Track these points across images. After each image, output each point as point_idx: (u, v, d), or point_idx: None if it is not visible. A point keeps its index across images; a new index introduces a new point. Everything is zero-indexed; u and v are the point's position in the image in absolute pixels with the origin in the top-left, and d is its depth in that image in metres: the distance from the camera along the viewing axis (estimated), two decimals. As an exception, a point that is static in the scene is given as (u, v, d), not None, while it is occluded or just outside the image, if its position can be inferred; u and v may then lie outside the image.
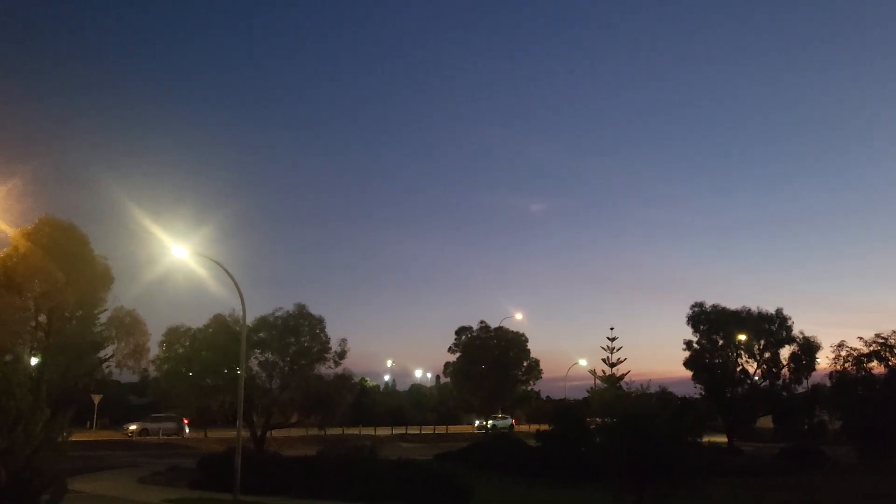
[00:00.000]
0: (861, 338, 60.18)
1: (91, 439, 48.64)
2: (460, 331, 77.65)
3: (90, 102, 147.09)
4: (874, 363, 59.29)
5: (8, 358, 31.89)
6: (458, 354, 77.06)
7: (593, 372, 61.99)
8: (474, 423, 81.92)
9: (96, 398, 57.53)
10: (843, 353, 60.06)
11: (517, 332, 77.76)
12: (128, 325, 39.97)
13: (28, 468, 8.14)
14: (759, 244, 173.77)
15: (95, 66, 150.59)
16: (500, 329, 76.34)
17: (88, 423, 61.15)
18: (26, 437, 8.05)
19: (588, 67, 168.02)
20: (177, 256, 24.94)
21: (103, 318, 39.28)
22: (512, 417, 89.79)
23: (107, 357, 40.83)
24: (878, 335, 58.74)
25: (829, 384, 62.91)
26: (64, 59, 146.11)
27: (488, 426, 74.90)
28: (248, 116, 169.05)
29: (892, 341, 58.35)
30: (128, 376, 49.61)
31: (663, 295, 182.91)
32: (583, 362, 72.29)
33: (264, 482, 25.71)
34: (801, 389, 65.72)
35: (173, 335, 37.96)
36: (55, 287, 33.48)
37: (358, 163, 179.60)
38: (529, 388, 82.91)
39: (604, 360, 60.09)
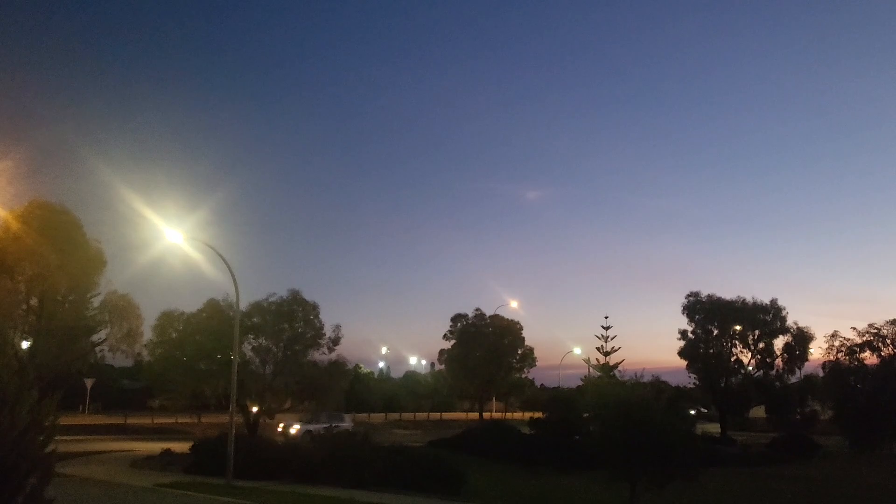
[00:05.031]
0: (854, 328, 60.49)
1: (83, 423, 48.52)
2: (456, 318, 77.75)
3: (81, 85, 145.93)
4: (867, 353, 59.56)
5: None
6: (452, 342, 77.17)
7: (587, 360, 61.99)
8: None
9: (89, 382, 57.42)
10: (837, 344, 60.34)
11: (512, 320, 77.93)
12: (121, 308, 39.76)
13: (14, 452, 7.94)
14: (755, 234, 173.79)
15: (86, 48, 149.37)
16: (495, 317, 76.45)
17: (81, 407, 61.05)
18: (12, 421, 7.85)
19: (586, 55, 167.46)
20: (171, 240, 24.71)
21: (96, 301, 39.06)
22: (508, 405, 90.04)
23: (100, 341, 40.62)
24: (871, 325, 59.02)
25: (821, 374, 63.27)
26: (54, 41, 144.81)
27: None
28: (242, 100, 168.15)
29: (886, 332, 58.59)
30: (121, 360, 49.39)
31: (658, 284, 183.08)
32: (577, 351, 72.38)
33: (257, 467, 25.62)
34: (794, 380, 66.12)
35: (167, 319, 37.82)
36: (47, 270, 33.24)
37: (353, 149, 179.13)
38: (524, 375, 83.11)
39: (598, 349, 60.10)
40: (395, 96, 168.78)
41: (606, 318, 60.52)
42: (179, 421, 53.47)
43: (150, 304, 74.57)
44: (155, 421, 54.36)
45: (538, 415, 49.89)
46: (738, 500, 29.79)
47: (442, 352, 79.30)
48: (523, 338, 78.57)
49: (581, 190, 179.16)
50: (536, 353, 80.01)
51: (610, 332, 59.87)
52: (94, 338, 40.41)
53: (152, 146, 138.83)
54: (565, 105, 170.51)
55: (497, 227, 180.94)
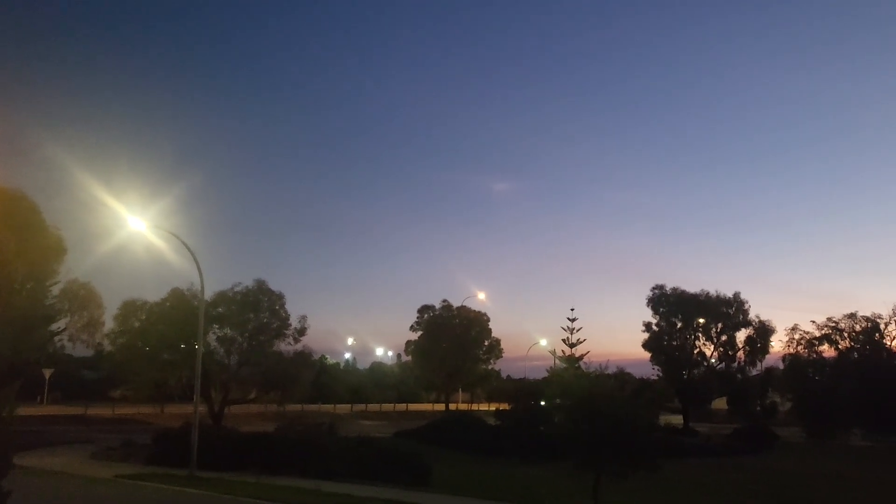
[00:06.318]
0: (814, 322, 61.85)
1: (42, 414, 47.55)
2: (423, 309, 77.80)
3: (39, 68, 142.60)
4: (825, 346, 60.98)
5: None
6: (419, 333, 77.21)
7: (553, 352, 62.43)
8: None
9: (47, 372, 56.24)
10: (797, 337, 61.70)
11: (479, 312, 78.21)
12: (81, 297, 39.09)
13: (-31, 444, 7.74)
14: (720, 227, 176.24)
15: (44, 31, 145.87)
16: (462, 308, 76.63)
17: (39, 398, 59.82)
18: (-33, 412, 7.64)
19: (551, 50, 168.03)
20: (133, 228, 24.25)
21: (55, 289, 38.25)
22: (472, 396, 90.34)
23: (59, 330, 39.89)
24: (829, 319, 60.35)
25: (782, 367, 64.61)
26: (12, 26, 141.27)
27: None
28: (208, 89, 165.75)
29: (843, 325, 59.97)
30: (81, 350, 48.66)
31: (624, 277, 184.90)
32: (543, 342, 72.83)
33: (221, 458, 25.34)
34: (755, 372, 67.38)
35: (129, 309, 37.17)
36: (3, 256, 32.36)
37: (321, 142, 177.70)
38: (490, 367, 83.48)
39: (564, 341, 60.52)
40: (363, 91, 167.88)
41: (572, 310, 61.01)
42: (141, 411, 52.64)
43: (112, 293, 73.26)
44: (116, 412, 53.48)
45: (504, 406, 50.15)
46: (699, 490, 30.26)
47: (409, 343, 79.31)
48: (490, 329, 78.97)
49: (547, 182, 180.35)
50: (503, 345, 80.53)
51: (576, 324, 60.33)
52: (53, 327, 39.64)
53: (114, 132, 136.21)
54: (531, 98, 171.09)
55: (464, 219, 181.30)
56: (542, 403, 40.63)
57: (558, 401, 29.47)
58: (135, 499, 19.48)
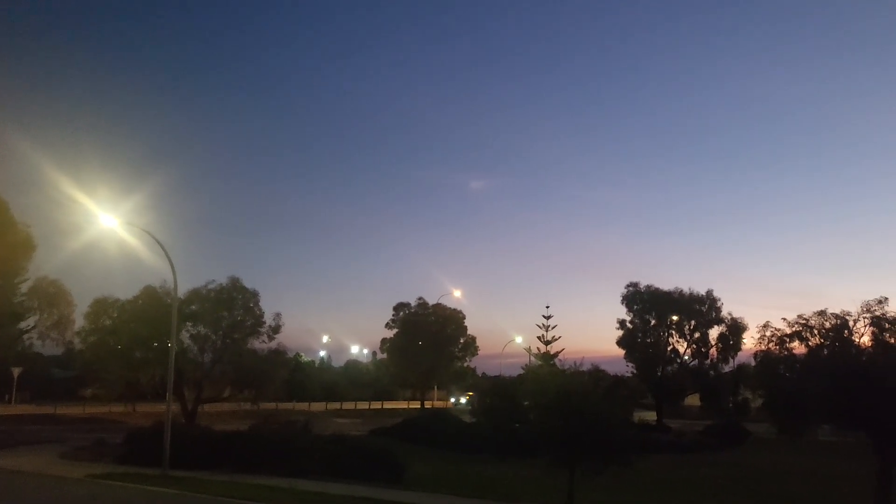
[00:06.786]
0: (785, 319, 62.43)
1: (11, 413, 46.82)
2: (398, 307, 77.70)
3: (7, 64, 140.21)
4: (795, 343, 61.56)
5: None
6: (395, 331, 77.12)
7: (529, 349, 62.80)
8: None
9: (16, 371, 55.38)
10: (768, 334, 62.01)
11: (455, 310, 78.27)
12: (51, 295, 38.57)
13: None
14: (693, 226, 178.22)
15: (13, 27, 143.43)
16: (437, 306, 76.66)
17: (7, 397, 58.91)
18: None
19: (528, 46, 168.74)
20: (105, 225, 23.88)
21: (24, 287, 37.78)
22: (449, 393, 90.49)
23: (28, 328, 39.34)
24: (800, 316, 60.82)
25: (753, 363, 65.11)
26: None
27: None
28: (183, 85, 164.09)
29: (813, 322, 60.59)
30: (51, 348, 48.02)
31: (599, 274, 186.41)
32: (519, 340, 73.18)
33: (195, 457, 25.12)
34: (727, 369, 67.95)
35: (100, 306, 36.67)
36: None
37: (296, 137, 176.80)
38: (466, 364, 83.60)
39: (539, 338, 60.94)
40: (339, 89, 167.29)
41: (548, 307, 61.49)
42: (113, 410, 52.02)
43: (83, 290, 72.18)
44: (87, 411, 52.80)
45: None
46: (672, 486, 30.58)
47: (384, 340, 79.15)
48: (466, 327, 79.06)
49: (523, 180, 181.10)
50: (479, 342, 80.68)
51: (551, 322, 60.76)
52: (22, 325, 39.12)
53: (85, 128, 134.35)
54: (507, 97, 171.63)
55: (440, 216, 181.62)
56: (519, 400, 40.68)
57: (527, 403, 29.60)
58: (107, 498, 19.21)
